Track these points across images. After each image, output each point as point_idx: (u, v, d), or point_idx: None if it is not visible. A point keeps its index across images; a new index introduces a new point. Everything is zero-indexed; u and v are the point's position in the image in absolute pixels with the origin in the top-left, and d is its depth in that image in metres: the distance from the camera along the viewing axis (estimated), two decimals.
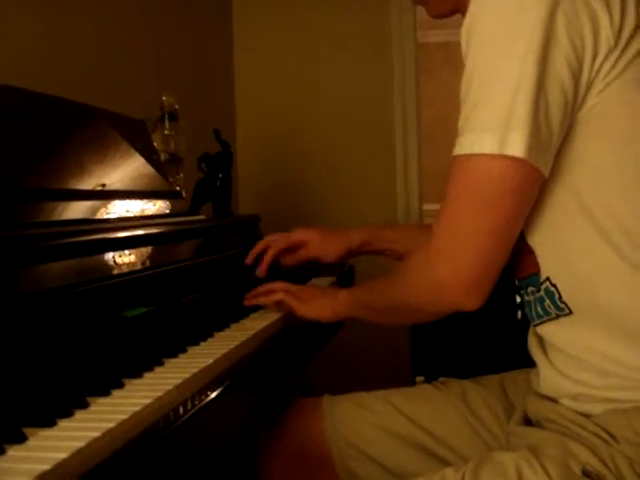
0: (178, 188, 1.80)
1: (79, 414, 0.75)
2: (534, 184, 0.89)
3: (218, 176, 1.85)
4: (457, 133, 0.91)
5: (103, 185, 1.40)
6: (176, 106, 1.81)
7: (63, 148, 1.30)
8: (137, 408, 0.74)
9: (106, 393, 0.81)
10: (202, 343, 1.07)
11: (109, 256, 1.18)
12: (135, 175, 1.50)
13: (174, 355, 0.98)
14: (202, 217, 1.64)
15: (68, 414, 0.74)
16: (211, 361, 0.94)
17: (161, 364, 0.93)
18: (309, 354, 1.44)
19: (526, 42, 0.84)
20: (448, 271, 0.92)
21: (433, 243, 0.94)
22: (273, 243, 1.48)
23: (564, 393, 0.98)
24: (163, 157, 1.76)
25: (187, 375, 0.87)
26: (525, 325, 1.11)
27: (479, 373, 1.27)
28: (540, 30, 0.84)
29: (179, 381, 0.84)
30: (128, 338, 1.06)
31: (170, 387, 0.82)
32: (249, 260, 1.49)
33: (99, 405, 0.78)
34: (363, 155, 3.07)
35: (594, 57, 0.86)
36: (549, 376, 1.01)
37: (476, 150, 0.87)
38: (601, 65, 0.86)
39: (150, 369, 0.91)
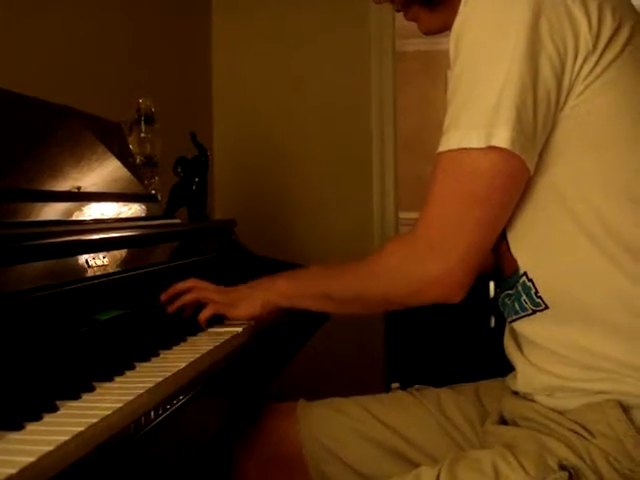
0: (154, 191, 1.79)
1: (48, 418, 0.73)
2: (521, 178, 0.91)
3: (194, 180, 1.85)
4: (443, 130, 0.93)
5: (78, 188, 1.39)
6: (152, 109, 1.80)
7: (37, 148, 1.29)
8: (107, 412, 0.73)
9: (76, 397, 0.80)
10: (175, 347, 1.06)
11: (82, 258, 1.16)
12: (111, 178, 1.49)
13: (146, 359, 0.97)
14: (177, 221, 1.63)
15: (37, 418, 0.72)
16: (183, 365, 0.93)
17: (133, 368, 0.92)
18: (284, 356, 1.43)
19: (512, 45, 0.87)
20: (439, 265, 0.93)
21: (421, 238, 0.95)
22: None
23: (540, 388, 0.99)
24: (139, 160, 1.75)
25: (159, 379, 0.86)
26: (499, 333, 1.11)
27: (454, 381, 1.27)
28: (525, 34, 0.87)
29: (150, 385, 0.83)
30: (100, 341, 1.05)
31: (141, 391, 0.81)
32: None
33: (69, 409, 0.76)
34: (339, 162, 3.07)
35: (575, 59, 0.88)
36: (525, 372, 1.02)
37: (464, 145, 0.89)
38: (581, 67, 0.89)
39: (121, 373, 0.90)
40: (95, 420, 0.70)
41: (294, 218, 3.07)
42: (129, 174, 1.54)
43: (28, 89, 1.36)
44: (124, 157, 1.61)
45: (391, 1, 1.13)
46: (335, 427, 1.20)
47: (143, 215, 1.52)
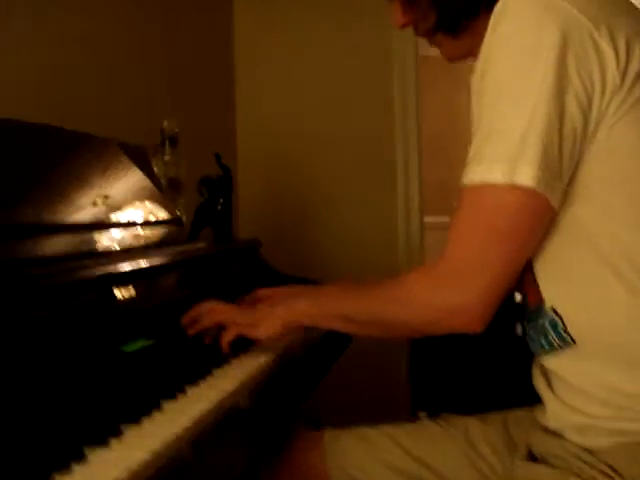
0: (178, 213, 1.80)
1: (77, 467, 0.73)
2: (545, 215, 0.91)
3: (219, 200, 1.85)
4: (467, 161, 0.93)
5: (106, 197, 1.40)
6: (176, 130, 1.81)
7: (58, 178, 1.30)
8: (136, 465, 0.73)
9: (104, 442, 0.79)
10: (201, 382, 1.06)
11: (108, 290, 1.17)
12: (136, 202, 1.50)
13: (173, 397, 0.97)
14: (202, 245, 1.63)
15: (65, 468, 0.73)
16: (210, 406, 0.94)
17: (160, 408, 0.92)
18: (310, 384, 1.43)
19: (540, 80, 0.87)
20: (462, 297, 0.94)
21: (444, 268, 0.96)
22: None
23: (569, 425, 0.99)
24: (163, 182, 1.75)
25: (186, 423, 0.86)
26: (527, 352, 1.11)
27: (481, 406, 1.26)
28: (553, 69, 0.86)
29: (178, 430, 0.83)
30: (126, 376, 1.05)
31: (171, 438, 0.81)
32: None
33: (98, 456, 0.76)
34: (363, 171, 3.07)
35: (602, 94, 0.88)
36: (554, 408, 1.01)
37: (488, 180, 0.89)
38: (609, 103, 0.88)
39: (149, 414, 0.90)
40: (125, 475, 0.70)
41: (319, 231, 3.07)
42: (154, 196, 1.56)
43: (53, 117, 1.38)
44: (149, 180, 1.62)
45: (415, 28, 1.12)
46: (362, 457, 1.20)
47: (168, 240, 1.53)
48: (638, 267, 0.90)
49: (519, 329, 1.05)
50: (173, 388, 1.00)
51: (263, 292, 1.40)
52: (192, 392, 1.01)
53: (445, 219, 5.14)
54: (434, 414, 1.26)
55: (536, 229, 0.92)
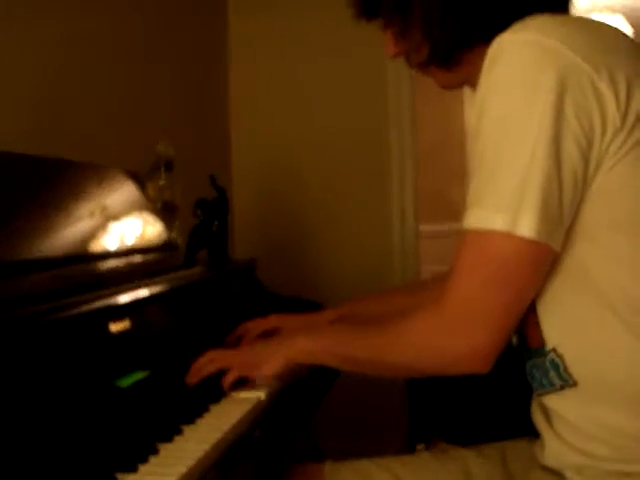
0: (174, 236, 1.79)
1: None
2: (546, 260, 0.91)
3: (214, 222, 1.84)
4: (468, 203, 0.92)
5: (99, 225, 1.39)
6: (171, 153, 1.80)
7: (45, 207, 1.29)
8: None
9: None
10: (198, 421, 1.05)
11: (102, 323, 1.16)
12: (130, 222, 1.49)
13: (169, 439, 0.96)
14: (197, 270, 1.62)
15: None
16: (208, 448, 0.93)
17: (156, 453, 0.91)
18: (308, 414, 1.42)
19: (537, 126, 0.86)
20: (465, 342, 0.94)
21: (447, 314, 0.95)
22: (248, 332, 1.50)
23: (569, 464, 0.98)
24: (158, 205, 1.74)
25: (183, 469, 0.85)
26: (526, 386, 1.10)
27: (478, 435, 1.25)
28: (550, 114, 0.85)
29: (175, 479, 0.83)
30: (121, 417, 1.04)
31: None
32: (231, 339, 1.50)
33: None
34: (359, 181, 3.07)
35: (602, 136, 0.87)
36: (554, 447, 1.00)
37: (489, 227, 0.89)
38: (609, 145, 0.87)
39: (145, 460, 0.89)
40: None
41: (315, 242, 3.08)
42: (148, 222, 1.55)
43: (48, 144, 1.37)
44: (142, 205, 1.62)
45: (407, 59, 1.11)
46: None
47: (163, 267, 1.52)
48: (639, 309, 0.89)
49: (514, 339, 1.04)
50: (170, 430, 0.99)
51: (253, 325, 1.46)
52: (189, 432, 1.00)
53: (440, 227, 5.15)
54: (429, 438, 1.25)
55: (537, 275, 0.92)
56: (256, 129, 3.11)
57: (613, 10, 4.66)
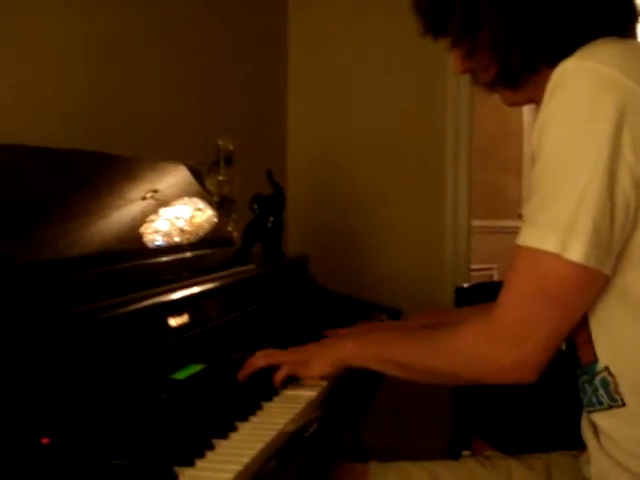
0: (230, 230, 1.83)
1: None
2: (596, 283, 0.94)
3: (269, 218, 1.87)
4: (524, 220, 0.96)
5: (155, 191, 1.43)
6: (231, 148, 1.83)
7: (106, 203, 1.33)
8: None
9: None
10: (251, 418, 1.08)
11: (160, 318, 1.20)
12: (189, 216, 1.53)
13: (224, 435, 1.00)
14: (251, 267, 1.65)
15: None
16: (261, 446, 0.96)
17: (212, 448, 0.95)
18: (357, 413, 1.45)
19: (594, 156, 0.88)
20: (514, 354, 0.97)
21: (498, 325, 0.99)
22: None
23: None
24: (216, 199, 1.78)
25: (239, 467, 0.89)
26: (576, 399, 1.11)
27: (522, 443, 1.26)
28: (607, 145, 0.87)
29: (230, 476, 0.86)
30: (177, 408, 1.08)
31: None
32: None
33: None
34: (413, 175, 3.09)
35: None
36: (600, 462, 1.02)
37: (541, 246, 0.91)
38: None
39: (202, 455, 0.92)
40: None
41: (366, 243, 3.10)
42: (206, 217, 1.59)
43: (106, 139, 1.41)
44: (200, 200, 1.66)
45: (473, 78, 1.13)
46: None
47: (218, 262, 1.56)
48: None
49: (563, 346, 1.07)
50: (225, 426, 1.02)
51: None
52: (243, 429, 1.03)
53: (491, 223, 5.11)
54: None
55: (585, 297, 0.95)
56: (313, 126, 3.14)
57: None
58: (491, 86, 1.09)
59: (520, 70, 1.03)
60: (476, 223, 4.01)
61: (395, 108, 3.07)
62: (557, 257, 0.90)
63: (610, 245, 0.90)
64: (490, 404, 2.01)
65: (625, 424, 0.97)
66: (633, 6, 1.04)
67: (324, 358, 1.22)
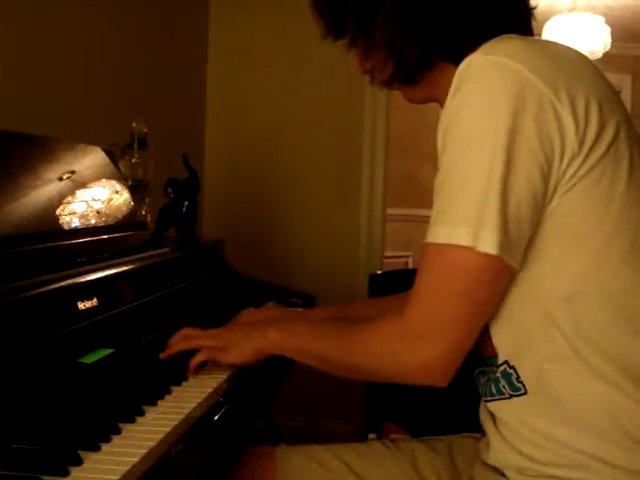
0: (144, 213, 1.81)
1: None
2: (506, 276, 0.94)
3: (184, 202, 1.86)
4: (432, 219, 0.96)
5: (72, 172, 1.41)
6: (145, 130, 1.81)
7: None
8: None
9: (64, 473, 0.82)
10: (160, 402, 1.08)
11: (70, 302, 1.19)
12: (101, 198, 1.51)
13: (132, 420, 0.99)
14: (165, 250, 1.65)
15: None
16: (167, 430, 0.96)
17: (119, 432, 0.95)
18: (267, 398, 1.46)
19: (492, 145, 0.89)
20: (426, 353, 0.96)
21: (410, 324, 0.97)
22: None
23: (511, 465, 1.03)
24: (130, 183, 1.76)
25: (143, 450, 0.88)
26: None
27: (428, 426, 1.30)
28: (507, 134, 0.88)
29: (135, 459, 0.86)
30: (84, 392, 1.08)
31: (126, 468, 0.83)
32: None
33: None
34: (330, 163, 3.14)
35: (560, 161, 0.90)
36: (497, 447, 1.05)
37: (451, 241, 0.91)
38: (566, 169, 0.91)
39: (108, 439, 0.92)
40: None
41: (282, 229, 3.12)
42: (119, 199, 1.57)
43: (20, 119, 1.38)
44: (114, 182, 1.63)
45: (371, 77, 1.15)
46: (310, 477, 1.23)
47: (131, 245, 1.54)
48: (583, 332, 0.94)
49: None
50: (132, 409, 1.02)
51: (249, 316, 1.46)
52: (150, 414, 1.03)
53: (407, 211, 5.19)
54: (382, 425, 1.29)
55: (497, 290, 0.95)
56: (232, 112, 3.14)
57: (594, 10, 4.71)
58: (388, 84, 1.11)
59: (415, 66, 1.05)
60: (393, 211, 4.09)
61: (314, 96, 3.10)
62: (467, 250, 0.90)
63: (519, 237, 0.91)
64: (400, 388, 2.06)
65: (523, 412, 1.00)
66: (526, 2, 1.07)
67: (245, 346, 1.21)
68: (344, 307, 1.52)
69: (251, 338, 1.21)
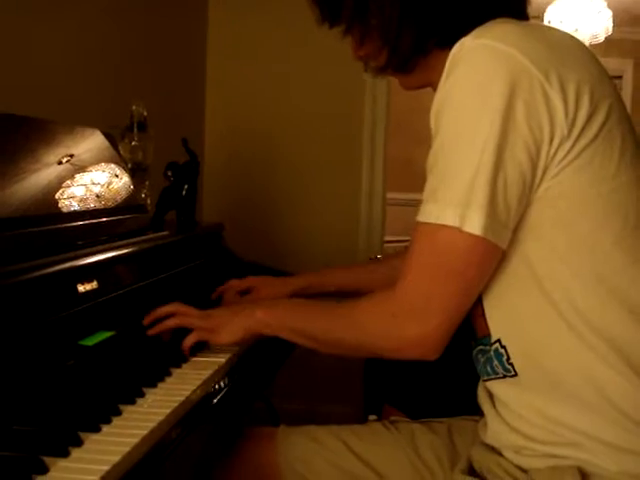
0: (144, 196, 1.81)
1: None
2: (494, 257, 0.96)
3: (184, 186, 1.86)
4: (423, 198, 0.97)
5: (71, 156, 1.41)
6: (145, 114, 1.81)
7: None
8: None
9: (65, 454, 0.82)
10: (160, 384, 1.09)
11: (70, 284, 1.19)
12: (101, 181, 1.51)
13: (132, 401, 1.00)
14: (165, 233, 1.65)
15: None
16: (168, 411, 0.96)
17: (119, 414, 0.95)
18: (267, 379, 1.47)
19: (487, 128, 0.90)
20: (417, 329, 0.98)
21: (400, 300, 0.99)
22: (231, 288, 1.60)
23: (508, 445, 1.04)
24: (129, 166, 1.76)
25: (144, 432, 0.89)
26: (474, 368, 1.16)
27: (427, 408, 1.31)
28: (499, 117, 0.89)
29: (136, 440, 0.86)
30: (85, 374, 1.08)
31: (127, 449, 0.84)
32: (214, 296, 1.60)
33: (59, 470, 0.79)
34: (330, 148, 3.12)
35: (550, 144, 0.91)
36: (495, 426, 1.07)
37: (440, 221, 0.93)
38: (555, 152, 0.91)
39: (108, 421, 0.92)
40: None
41: (283, 214, 3.12)
42: (119, 182, 1.57)
43: (22, 102, 1.37)
44: (114, 165, 1.63)
45: (365, 64, 1.15)
46: (310, 456, 1.24)
47: (131, 228, 1.55)
48: (580, 311, 0.94)
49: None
50: (132, 391, 1.03)
51: (235, 283, 1.58)
52: (150, 395, 1.04)
53: (407, 195, 5.20)
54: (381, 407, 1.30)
55: (484, 270, 0.96)
56: (232, 95, 3.13)
57: None
58: (382, 71, 1.11)
59: (410, 54, 1.05)
60: (392, 196, 4.08)
61: (314, 81, 3.09)
62: (455, 231, 0.91)
63: (507, 219, 0.92)
64: (400, 371, 2.07)
65: (518, 392, 1.01)
66: None
67: (235, 326, 1.22)
68: (322, 273, 1.58)
69: (240, 317, 1.23)
